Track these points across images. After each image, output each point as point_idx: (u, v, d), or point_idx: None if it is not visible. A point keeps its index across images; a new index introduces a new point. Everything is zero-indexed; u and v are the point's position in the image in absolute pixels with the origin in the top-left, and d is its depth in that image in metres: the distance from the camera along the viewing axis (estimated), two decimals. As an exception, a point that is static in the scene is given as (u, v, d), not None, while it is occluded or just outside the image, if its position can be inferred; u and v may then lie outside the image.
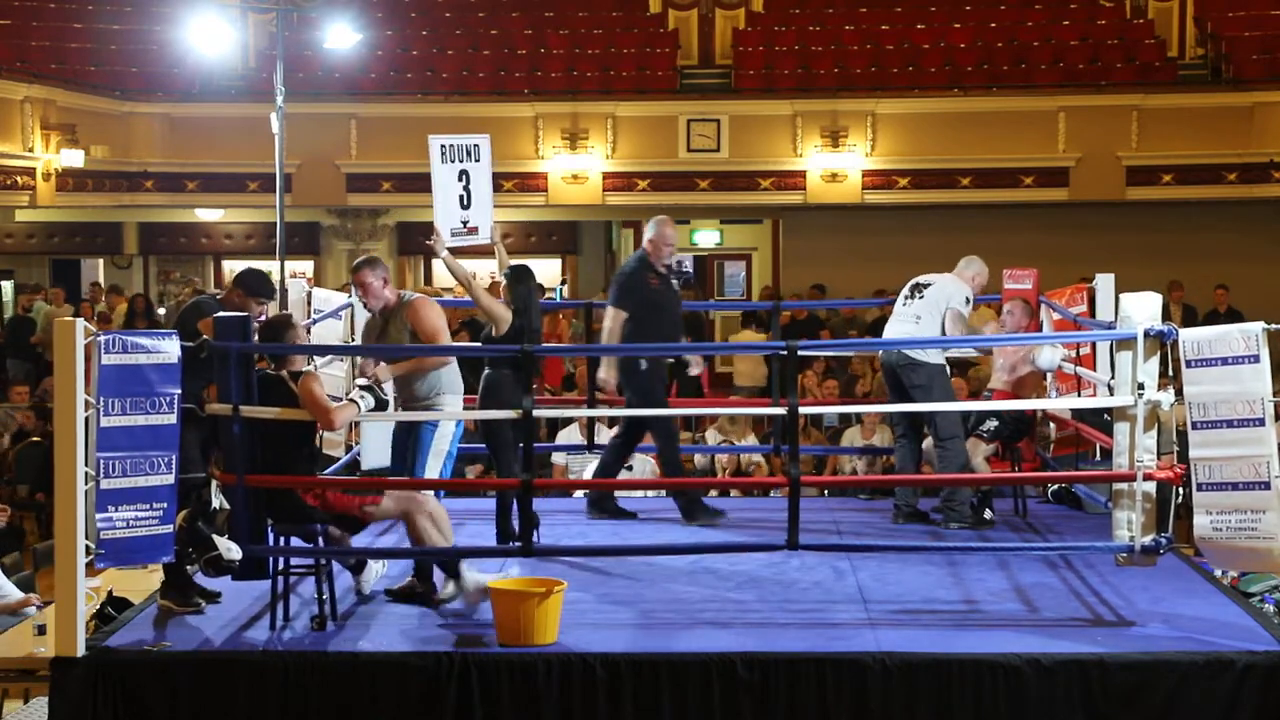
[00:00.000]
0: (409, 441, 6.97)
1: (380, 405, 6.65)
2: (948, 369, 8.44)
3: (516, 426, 7.07)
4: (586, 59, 20.11)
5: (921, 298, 8.37)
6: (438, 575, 6.74)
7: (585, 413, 9.31)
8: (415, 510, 6.51)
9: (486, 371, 7.59)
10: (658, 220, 8.56)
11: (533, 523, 7.51)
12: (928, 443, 8.56)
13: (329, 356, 8.64)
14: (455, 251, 7.61)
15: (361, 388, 6.60)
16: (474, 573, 6.56)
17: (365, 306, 7.31)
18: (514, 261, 7.87)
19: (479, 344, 8.11)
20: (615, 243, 22.16)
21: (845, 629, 6.29)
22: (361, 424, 8.12)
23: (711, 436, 11.58)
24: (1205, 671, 5.79)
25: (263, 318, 6.85)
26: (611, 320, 8.35)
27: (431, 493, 6.78)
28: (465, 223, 7.99)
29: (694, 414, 11.57)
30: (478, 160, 8.01)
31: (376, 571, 6.97)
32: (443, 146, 7.88)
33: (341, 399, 6.86)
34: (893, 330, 8.50)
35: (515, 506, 7.11)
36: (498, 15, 21.03)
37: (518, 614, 6.02)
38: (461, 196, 7.93)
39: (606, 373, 8.50)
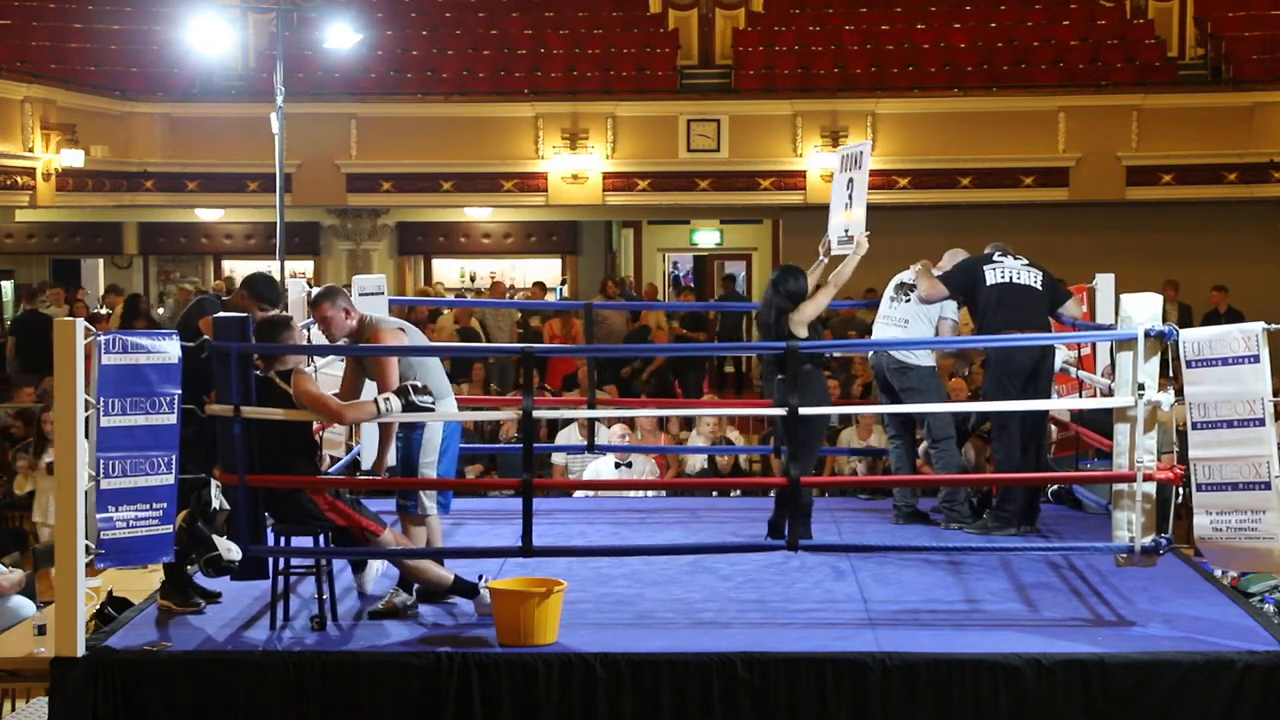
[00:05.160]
0: (405, 446, 6.92)
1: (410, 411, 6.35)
2: (937, 370, 8.44)
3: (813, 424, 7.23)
4: (586, 59, 20.11)
5: (907, 300, 8.35)
6: (387, 581, 6.74)
7: (588, 413, 9.31)
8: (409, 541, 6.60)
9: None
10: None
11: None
12: (922, 445, 8.55)
13: (329, 357, 8.64)
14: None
15: (395, 391, 6.35)
16: (483, 587, 6.54)
17: (328, 338, 6.83)
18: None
19: None
20: (615, 243, 22.17)
21: (845, 629, 6.29)
22: (363, 424, 8.10)
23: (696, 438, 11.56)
24: (1205, 671, 5.79)
25: None
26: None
27: (432, 506, 6.78)
28: (847, 230, 7.69)
29: (692, 414, 11.57)
30: (859, 167, 7.69)
31: (377, 569, 6.98)
32: (843, 156, 7.72)
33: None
34: (879, 333, 8.47)
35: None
36: (498, 15, 21.04)
37: (518, 614, 6.01)
38: (845, 204, 7.72)
39: None
